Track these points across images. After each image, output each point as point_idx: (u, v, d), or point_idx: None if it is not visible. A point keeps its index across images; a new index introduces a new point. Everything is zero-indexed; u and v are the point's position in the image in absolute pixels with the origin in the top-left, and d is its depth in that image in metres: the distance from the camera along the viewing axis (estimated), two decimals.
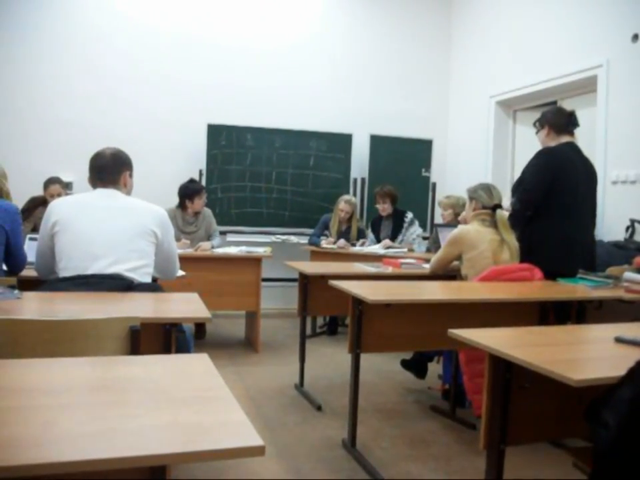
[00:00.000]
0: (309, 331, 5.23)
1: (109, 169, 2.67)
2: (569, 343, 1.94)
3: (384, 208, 5.68)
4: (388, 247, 5.38)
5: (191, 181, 5.25)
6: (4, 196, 2.89)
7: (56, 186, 4.88)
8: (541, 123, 3.77)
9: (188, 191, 5.07)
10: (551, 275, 3.41)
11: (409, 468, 2.75)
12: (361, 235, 5.84)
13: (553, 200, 3.54)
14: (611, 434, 1.37)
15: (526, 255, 3.53)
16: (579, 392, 1.48)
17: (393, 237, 5.63)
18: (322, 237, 5.80)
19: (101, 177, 2.66)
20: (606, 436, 1.38)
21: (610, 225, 4.61)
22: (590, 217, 3.74)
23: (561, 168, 3.56)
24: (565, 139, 3.68)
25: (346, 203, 5.76)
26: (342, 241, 5.60)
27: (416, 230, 5.68)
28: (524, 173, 3.73)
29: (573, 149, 3.69)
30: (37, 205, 4.76)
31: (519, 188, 3.69)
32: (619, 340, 1.83)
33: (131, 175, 2.76)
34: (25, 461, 0.87)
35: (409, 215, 5.71)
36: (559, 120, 3.70)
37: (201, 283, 3.99)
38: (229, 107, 6.32)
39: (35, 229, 4.19)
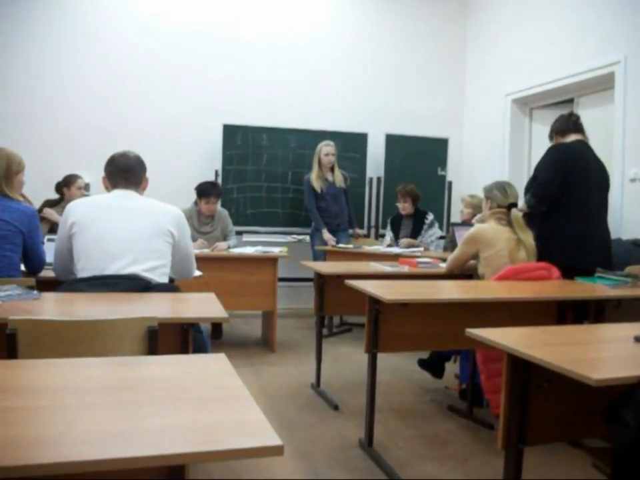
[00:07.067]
0: (325, 330, 5.24)
1: (135, 171, 2.70)
2: (587, 343, 1.93)
3: (404, 207, 5.61)
4: (409, 246, 5.34)
5: (206, 182, 5.22)
6: (2, 184, 2.74)
7: (81, 180, 4.99)
8: (550, 135, 3.96)
9: (198, 190, 5.07)
10: (570, 270, 3.39)
11: (426, 468, 2.74)
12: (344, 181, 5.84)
13: (568, 195, 3.60)
14: (631, 434, 1.36)
15: (544, 252, 3.51)
16: (598, 392, 1.47)
17: (412, 237, 5.56)
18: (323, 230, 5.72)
19: (125, 177, 2.67)
20: (626, 436, 1.37)
21: (628, 223, 4.56)
22: (604, 211, 3.78)
23: (573, 161, 3.65)
24: (572, 137, 3.79)
25: (327, 146, 5.69)
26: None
27: (435, 232, 5.59)
28: (537, 169, 3.79)
29: (584, 144, 3.80)
30: (52, 207, 4.81)
31: (534, 184, 3.71)
32: (638, 339, 1.81)
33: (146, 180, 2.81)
34: (46, 459, 0.88)
35: (430, 217, 5.63)
36: (560, 124, 3.88)
37: (218, 282, 4.01)
38: (245, 107, 6.34)
39: (52, 230, 4.22)
